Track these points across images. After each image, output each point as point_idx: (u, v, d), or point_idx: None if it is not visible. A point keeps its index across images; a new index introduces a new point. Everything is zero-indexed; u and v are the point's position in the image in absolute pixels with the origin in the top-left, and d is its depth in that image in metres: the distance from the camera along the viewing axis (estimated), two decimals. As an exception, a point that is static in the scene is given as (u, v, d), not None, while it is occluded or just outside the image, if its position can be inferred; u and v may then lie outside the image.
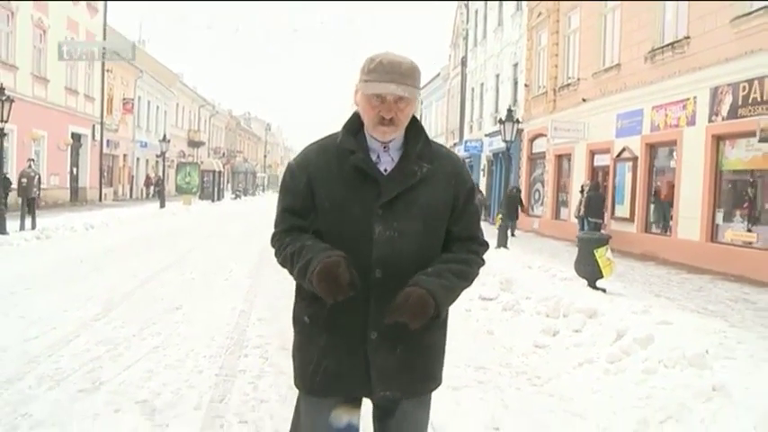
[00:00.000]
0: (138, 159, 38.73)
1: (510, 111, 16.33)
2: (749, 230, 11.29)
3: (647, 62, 14.34)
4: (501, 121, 15.95)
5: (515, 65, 24.33)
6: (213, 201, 39.86)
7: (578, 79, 18.37)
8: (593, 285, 8.13)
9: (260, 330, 6.14)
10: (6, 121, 13.97)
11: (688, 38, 12.78)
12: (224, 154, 59.24)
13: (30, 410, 3.86)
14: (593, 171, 17.62)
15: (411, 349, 1.96)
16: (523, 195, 21.13)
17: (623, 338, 5.23)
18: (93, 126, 29.27)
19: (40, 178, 15.64)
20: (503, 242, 13.93)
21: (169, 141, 31.74)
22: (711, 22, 11.96)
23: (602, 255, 8.09)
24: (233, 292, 8.29)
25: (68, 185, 26.93)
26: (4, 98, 13.84)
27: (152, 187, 39.36)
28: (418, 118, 2.02)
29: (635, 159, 15.12)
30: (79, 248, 12.47)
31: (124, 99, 34.26)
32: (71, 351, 5.19)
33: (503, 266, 9.36)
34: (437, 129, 38.09)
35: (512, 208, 17.89)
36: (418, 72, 1.92)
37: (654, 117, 14.19)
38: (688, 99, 12.79)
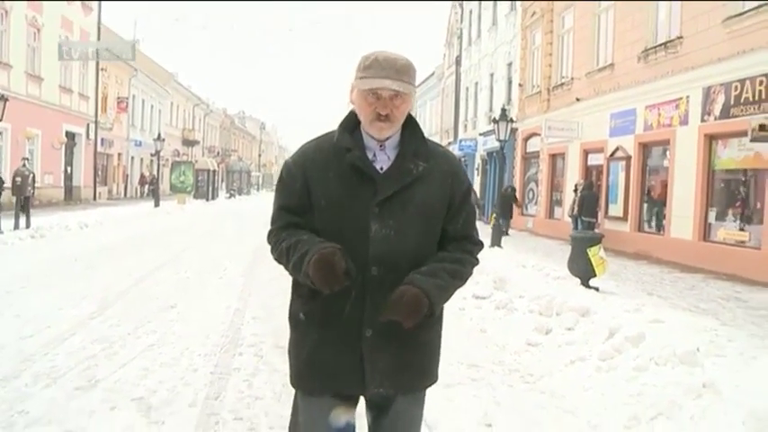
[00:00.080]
0: (132, 158, 38.61)
1: (504, 110, 16.39)
2: (741, 229, 11.35)
3: (641, 62, 14.40)
4: (495, 121, 16.02)
5: (509, 64, 24.36)
6: (208, 200, 39.73)
7: (572, 79, 18.42)
8: (585, 284, 8.17)
9: (254, 329, 6.17)
10: (0, 120, 13.93)
11: (681, 38, 12.84)
12: (218, 153, 59.05)
13: (26, 408, 3.89)
14: (587, 170, 17.65)
15: (406, 347, 1.96)
16: (518, 194, 21.17)
17: (615, 336, 5.26)
18: (88, 125, 29.14)
19: (34, 177, 15.58)
20: (497, 241, 13.95)
21: (164, 140, 31.63)
22: (704, 22, 12.02)
23: (595, 253, 8.12)
24: (227, 291, 8.32)
25: (63, 184, 26.78)
26: (-3, 97, 13.84)
27: (146, 186, 39.18)
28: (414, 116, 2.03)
29: (628, 159, 15.17)
30: (74, 247, 12.45)
31: (119, 98, 34.14)
32: (67, 349, 5.22)
33: (496, 265, 9.38)
34: (432, 128, 38.07)
35: (506, 207, 17.93)
36: (413, 69, 1.94)
37: (647, 116, 14.25)
38: (681, 99, 12.85)
